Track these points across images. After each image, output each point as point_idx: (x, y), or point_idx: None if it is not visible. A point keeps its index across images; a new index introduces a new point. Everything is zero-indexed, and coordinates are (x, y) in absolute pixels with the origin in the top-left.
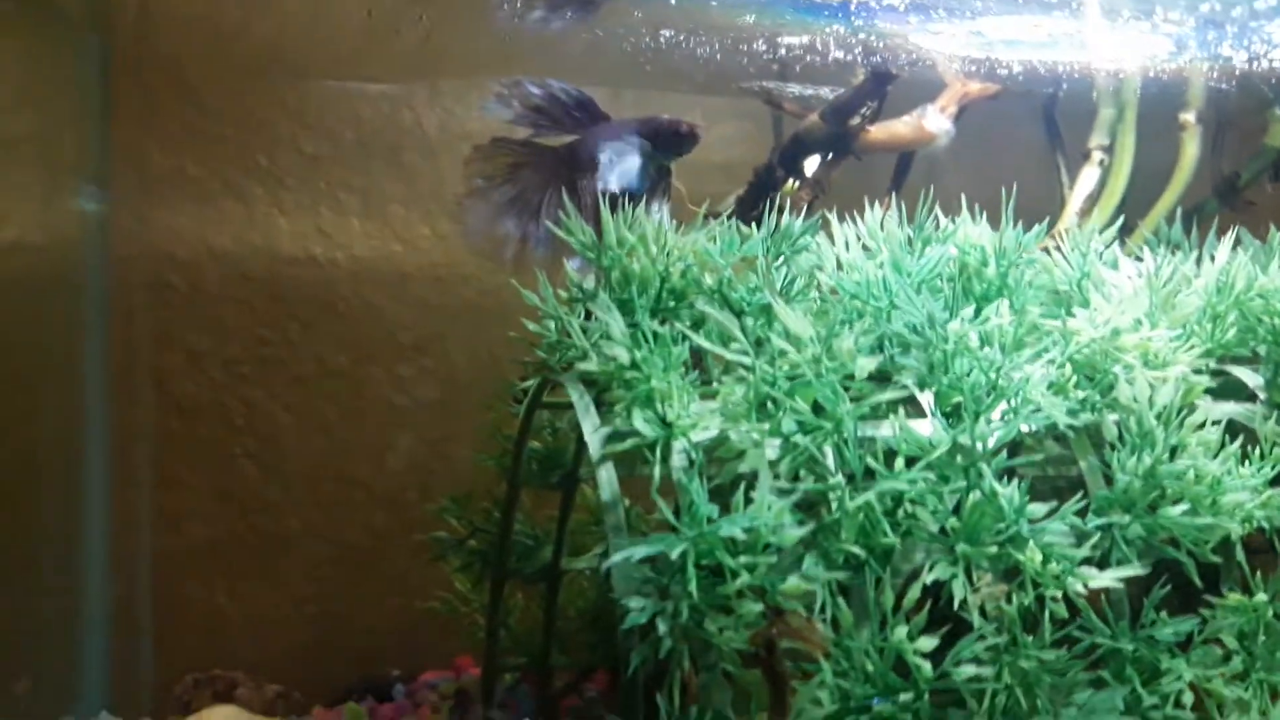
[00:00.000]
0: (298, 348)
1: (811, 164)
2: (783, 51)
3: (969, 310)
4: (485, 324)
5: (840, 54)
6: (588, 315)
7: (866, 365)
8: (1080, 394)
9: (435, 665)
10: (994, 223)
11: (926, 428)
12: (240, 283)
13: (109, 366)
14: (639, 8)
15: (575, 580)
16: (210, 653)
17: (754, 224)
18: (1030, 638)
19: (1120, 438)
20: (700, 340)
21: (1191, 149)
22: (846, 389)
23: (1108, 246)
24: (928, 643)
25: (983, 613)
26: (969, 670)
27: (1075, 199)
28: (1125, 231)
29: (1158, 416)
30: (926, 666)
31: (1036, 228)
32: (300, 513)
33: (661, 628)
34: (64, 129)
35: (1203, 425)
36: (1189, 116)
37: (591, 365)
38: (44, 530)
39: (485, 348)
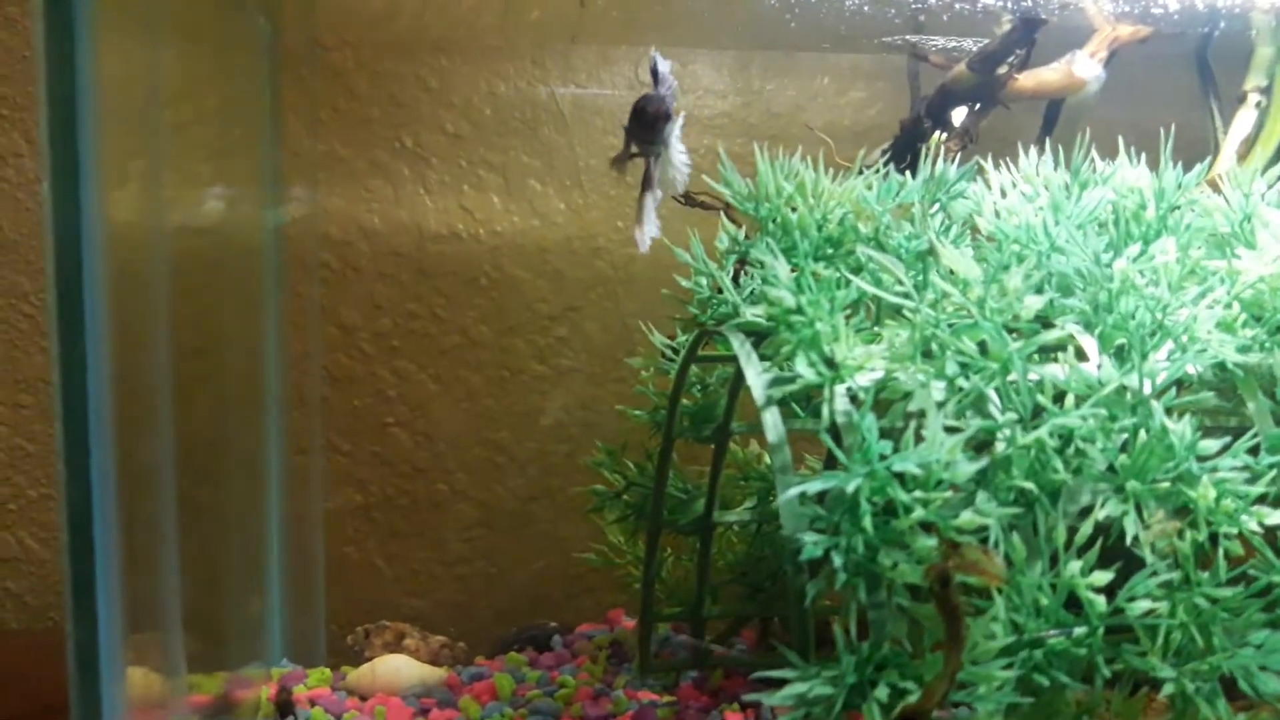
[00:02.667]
0: (444, 321)
1: (959, 114)
2: (932, 1)
3: (1134, 249)
4: (616, 294)
5: (991, 1)
6: (737, 273)
7: (1034, 305)
8: (1249, 333)
9: (582, 616)
10: (1147, 168)
11: (1091, 369)
12: (390, 260)
13: (281, 341)
14: None
15: (724, 534)
16: (371, 610)
17: (902, 175)
18: (1204, 575)
19: None
20: (863, 284)
21: None
22: (1010, 330)
23: (1270, 188)
24: (1102, 577)
25: (1154, 550)
26: (1143, 606)
27: (1230, 143)
28: None
29: None
30: (1100, 601)
31: (1197, 168)
32: (449, 477)
33: (837, 561)
34: (242, 112)
35: None
36: None
37: (757, 312)
38: (239, 492)
39: (617, 316)
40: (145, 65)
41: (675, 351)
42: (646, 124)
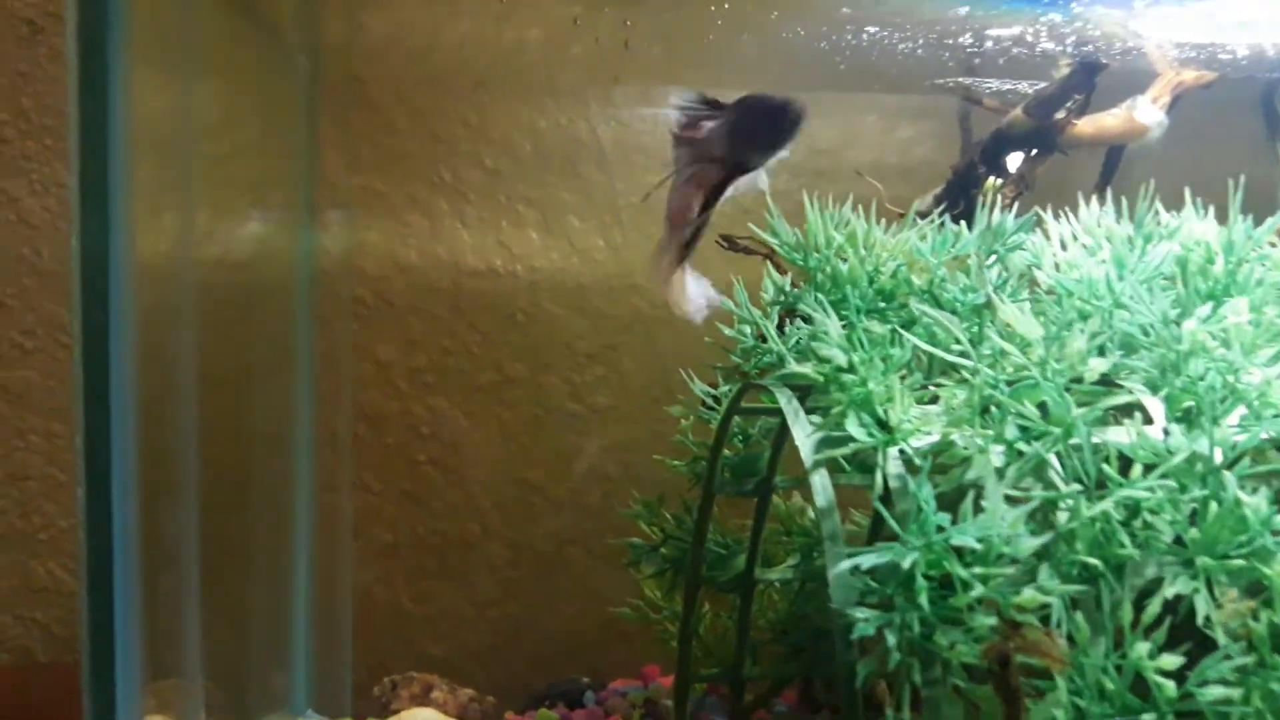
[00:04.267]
0: (478, 357)
1: (1014, 160)
2: (989, 44)
3: (1205, 309)
4: (654, 333)
5: (1050, 45)
6: (781, 322)
7: (1098, 367)
8: None
9: (616, 668)
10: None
11: (1155, 433)
12: (425, 295)
13: (313, 377)
14: (849, 5)
15: (764, 591)
16: (398, 653)
17: (954, 223)
18: None
19: None
20: (919, 342)
21: None
22: (1070, 389)
23: None
24: (1171, 661)
25: (1227, 630)
26: (1216, 692)
27: None
28: None
29: None
30: (1170, 686)
31: (1269, 221)
32: (482, 517)
33: (891, 640)
34: (278, 147)
35: None
36: None
37: (805, 369)
38: (266, 532)
39: (655, 356)
40: (179, 101)
41: (716, 400)
42: (785, 130)
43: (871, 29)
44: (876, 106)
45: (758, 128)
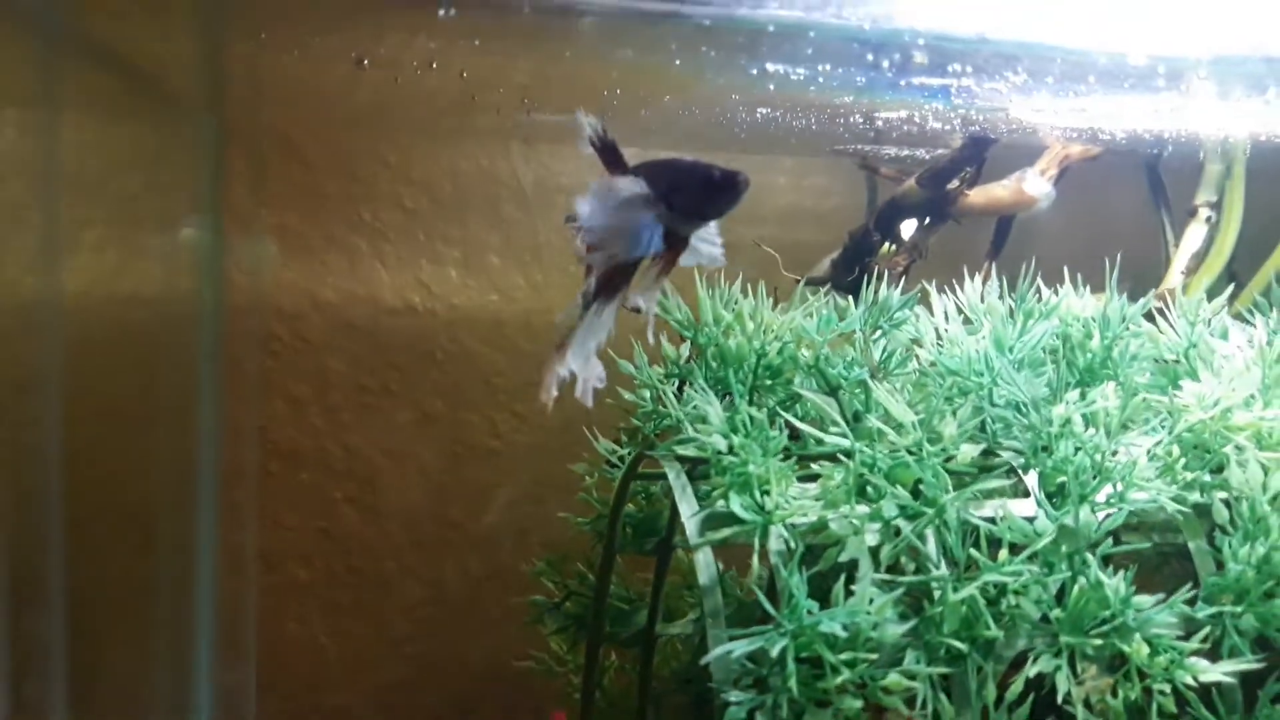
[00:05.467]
0: (396, 395)
1: (908, 228)
2: (880, 123)
3: (1074, 395)
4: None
5: (938, 125)
6: (681, 385)
7: (970, 451)
8: (1188, 475)
9: (532, 701)
10: (1096, 285)
11: (1028, 508)
12: (343, 333)
13: (218, 414)
14: (736, 91)
15: (669, 642)
16: (310, 690)
17: (850, 289)
18: None
19: (1232, 522)
20: (798, 423)
21: None
22: (947, 469)
23: (1216, 315)
24: None
25: (1087, 706)
26: None
27: (1180, 258)
28: (1234, 290)
29: (1271, 502)
30: None
31: (1141, 300)
32: (397, 555)
33: None
34: (179, 194)
35: None
36: None
37: (688, 451)
38: (161, 569)
39: (573, 394)
40: (40, 142)
41: (622, 459)
42: (727, 200)
43: (763, 110)
44: (789, 159)
45: (701, 196)
